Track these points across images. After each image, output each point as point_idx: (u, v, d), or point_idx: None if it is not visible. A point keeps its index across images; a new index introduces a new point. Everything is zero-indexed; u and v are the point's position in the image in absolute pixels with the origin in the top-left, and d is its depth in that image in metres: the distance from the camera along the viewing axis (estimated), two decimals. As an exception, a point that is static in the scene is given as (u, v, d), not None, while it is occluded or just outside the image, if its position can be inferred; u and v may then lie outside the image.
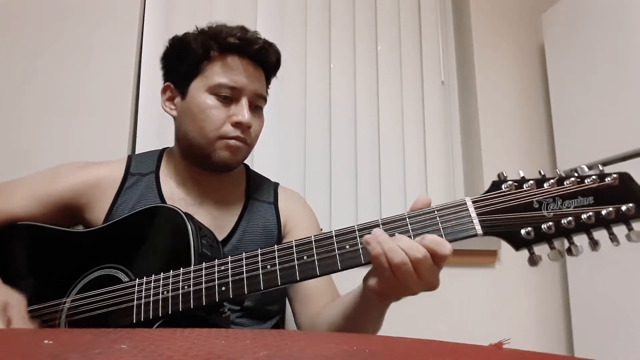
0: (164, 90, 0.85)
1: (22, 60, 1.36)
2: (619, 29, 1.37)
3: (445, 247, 0.51)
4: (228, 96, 0.78)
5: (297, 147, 1.59)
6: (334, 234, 0.57)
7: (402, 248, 0.51)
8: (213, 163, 0.80)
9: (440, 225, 0.54)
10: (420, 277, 0.52)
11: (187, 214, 0.68)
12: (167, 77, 0.85)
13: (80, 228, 0.85)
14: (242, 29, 0.80)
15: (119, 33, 1.44)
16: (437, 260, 0.52)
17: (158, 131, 1.47)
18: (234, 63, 0.78)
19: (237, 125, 0.77)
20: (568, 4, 1.59)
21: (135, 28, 1.46)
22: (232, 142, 0.78)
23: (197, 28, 0.82)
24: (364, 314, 0.64)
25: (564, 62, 1.60)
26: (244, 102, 0.78)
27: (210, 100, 0.77)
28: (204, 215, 0.83)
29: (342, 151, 1.63)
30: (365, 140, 1.67)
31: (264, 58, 0.82)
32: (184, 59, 0.80)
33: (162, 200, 0.83)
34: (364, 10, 1.75)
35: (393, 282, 0.53)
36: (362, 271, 0.59)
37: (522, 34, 1.82)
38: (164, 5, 1.55)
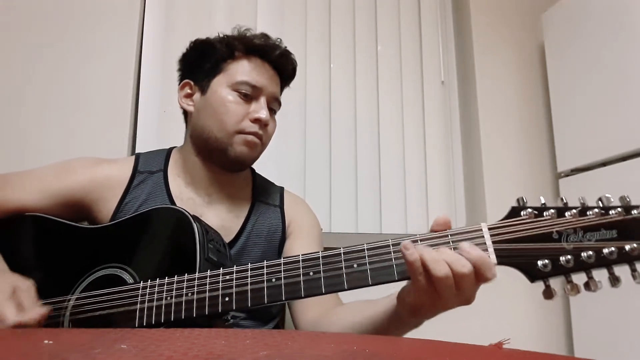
0: (182, 87, 0.87)
1: (22, 61, 1.35)
2: (619, 29, 1.37)
3: (491, 271, 0.49)
4: (248, 94, 0.80)
5: (297, 147, 1.59)
6: (342, 252, 0.55)
7: (446, 261, 0.49)
8: (228, 158, 0.81)
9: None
10: (459, 291, 0.50)
11: (195, 217, 0.68)
12: (186, 75, 0.88)
13: (85, 224, 0.85)
14: (265, 35, 0.84)
15: (119, 33, 1.44)
16: (478, 278, 0.50)
17: (158, 131, 1.47)
18: (257, 64, 0.82)
19: (255, 121, 0.80)
20: (568, 4, 1.59)
21: (135, 28, 1.46)
22: (250, 137, 0.80)
23: (219, 34, 0.86)
24: (396, 331, 0.62)
25: (564, 62, 1.60)
26: (263, 101, 0.81)
27: (232, 95, 0.80)
28: (212, 216, 0.83)
29: (342, 151, 1.63)
30: (365, 140, 1.67)
31: (283, 65, 0.86)
32: (208, 57, 0.83)
33: (170, 198, 0.83)
34: (364, 10, 1.75)
35: (431, 295, 0.50)
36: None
37: (522, 34, 1.82)
38: (164, 5, 1.55)
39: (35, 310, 0.60)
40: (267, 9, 1.63)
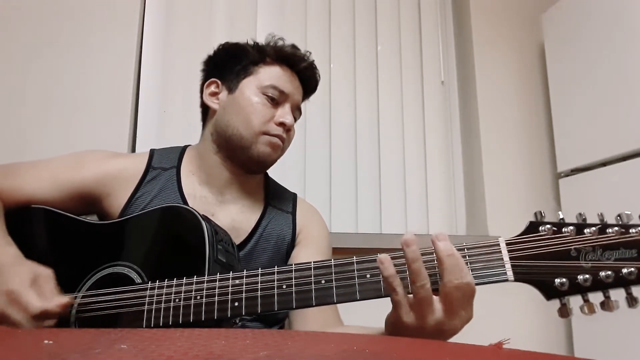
0: (208, 85, 0.88)
1: (22, 60, 1.35)
2: (619, 29, 1.37)
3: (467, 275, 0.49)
4: (275, 98, 0.82)
5: (297, 147, 1.59)
6: (355, 261, 0.54)
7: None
8: (250, 157, 0.81)
9: (469, 265, 0.51)
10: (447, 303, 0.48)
11: (204, 217, 0.67)
12: (212, 74, 0.89)
13: (94, 218, 0.84)
14: (295, 46, 0.89)
15: (119, 33, 1.44)
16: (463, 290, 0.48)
17: (158, 131, 1.47)
18: (285, 72, 0.85)
19: (280, 125, 0.82)
20: (568, 4, 1.59)
21: (135, 28, 1.46)
22: (274, 139, 0.81)
23: (247, 40, 0.89)
24: None
25: (564, 62, 1.60)
26: (288, 107, 0.84)
27: (259, 97, 0.82)
28: (224, 216, 0.83)
29: (342, 151, 1.63)
30: (365, 141, 1.67)
31: (308, 77, 0.89)
32: (239, 60, 0.85)
33: (182, 196, 0.82)
34: (364, 10, 1.75)
35: (408, 311, 0.49)
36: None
37: (522, 34, 1.82)
38: (164, 5, 1.55)
39: (58, 298, 0.60)
40: (267, 9, 1.63)
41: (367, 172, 1.65)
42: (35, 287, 0.60)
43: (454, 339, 0.48)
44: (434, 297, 0.49)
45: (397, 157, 1.69)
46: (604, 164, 1.43)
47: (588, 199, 1.46)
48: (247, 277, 0.58)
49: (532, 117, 1.77)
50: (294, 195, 0.95)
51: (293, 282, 0.55)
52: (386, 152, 1.67)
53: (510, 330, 1.56)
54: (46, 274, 0.63)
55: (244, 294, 0.57)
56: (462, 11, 1.84)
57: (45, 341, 0.36)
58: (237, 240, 0.81)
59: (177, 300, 0.59)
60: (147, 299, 0.60)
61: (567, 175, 1.59)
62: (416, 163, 1.71)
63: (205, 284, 0.59)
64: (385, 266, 0.50)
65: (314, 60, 0.90)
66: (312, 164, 1.59)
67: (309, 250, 0.86)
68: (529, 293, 0.51)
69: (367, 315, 0.71)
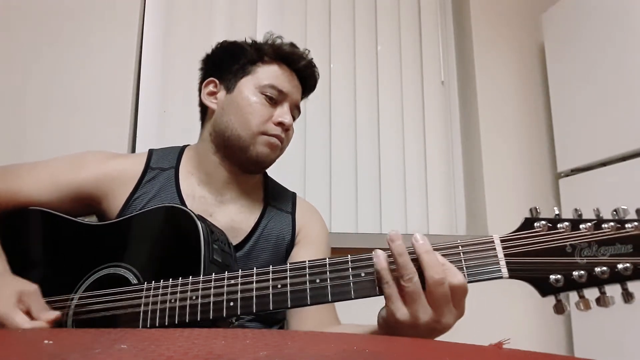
0: (206, 84, 0.87)
1: (22, 60, 1.36)
2: (619, 29, 1.37)
3: (456, 277, 0.49)
4: (274, 98, 0.82)
5: (297, 147, 1.59)
6: (349, 259, 0.54)
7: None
8: (249, 157, 0.81)
9: (463, 262, 0.51)
10: (431, 301, 0.49)
11: (199, 217, 0.67)
12: (210, 73, 0.88)
13: (94, 218, 0.84)
14: (293, 44, 0.87)
15: (119, 33, 1.44)
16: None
17: (158, 131, 1.47)
18: (284, 71, 0.84)
19: (279, 124, 0.81)
20: (568, 4, 1.59)
21: (135, 28, 1.46)
22: (273, 139, 0.81)
23: (246, 38, 0.88)
24: None
25: (564, 62, 1.60)
26: (287, 106, 0.83)
27: (258, 97, 0.81)
28: (222, 216, 0.83)
29: (342, 151, 1.63)
30: (365, 140, 1.67)
31: (307, 75, 0.88)
32: (237, 59, 0.85)
33: (180, 196, 0.82)
34: (364, 10, 1.75)
35: (401, 307, 0.50)
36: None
37: (522, 34, 1.82)
38: (164, 5, 1.55)
39: (46, 314, 0.59)
40: (267, 8, 1.63)
41: (367, 172, 1.65)
42: (21, 305, 0.59)
43: (453, 338, 0.48)
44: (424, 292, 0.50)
45: (397, 157, 1.69)
46: (604, 164, 1.43)
47: (588, 199, 1.46)
48: (242, 277, 0.58)
49: (532, 117, 1.77)
50: (294, 195, 0.95)
51: (288, 282, 0.55)
52: (386, 152, 1.67)
53: (510, 328, 1.56)
54: (31, 290, 0.61)
55: (239, 294, 0.57)
56: (462, 11, 1.84)
57: (45, 341, 0.36)
58: (236, 240, 0.81)
59: (172, 301, 0.59)
60: (143, 299, 0.61)
61: (567, 175, 1.59)
62: (416, 163, 1.71)
63: (200, 285, 0.59)
64: (379, 259, 0.51)
65: (312, 58, 0.88)
66: (312, 164, 1.59)
67: (308, 250, 0.86)
68: (528, 291, 0.51)
69: (362, 314, 0.71)
